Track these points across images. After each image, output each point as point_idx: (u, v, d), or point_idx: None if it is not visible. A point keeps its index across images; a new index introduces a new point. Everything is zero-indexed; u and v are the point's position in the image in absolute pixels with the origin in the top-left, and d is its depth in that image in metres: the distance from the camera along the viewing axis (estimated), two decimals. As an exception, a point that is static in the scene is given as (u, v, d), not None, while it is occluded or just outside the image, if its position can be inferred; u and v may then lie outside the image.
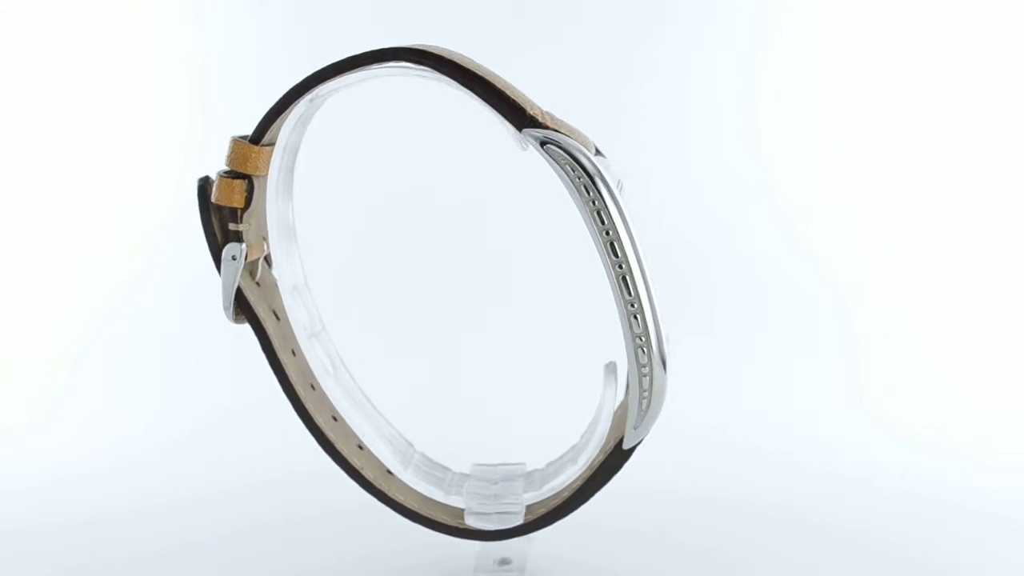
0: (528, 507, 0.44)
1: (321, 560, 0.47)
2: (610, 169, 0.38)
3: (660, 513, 0.51)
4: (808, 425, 0.61)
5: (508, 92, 0.37)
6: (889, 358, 0.68)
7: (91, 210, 0.75)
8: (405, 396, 0.52)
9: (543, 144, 0.37)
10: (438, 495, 0.45)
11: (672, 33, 0.78)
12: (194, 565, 0.47)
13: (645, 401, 0.39)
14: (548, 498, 0.44)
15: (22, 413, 0.63)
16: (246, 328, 0.44)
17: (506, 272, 0.74)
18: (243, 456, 0.58)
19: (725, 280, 0.74)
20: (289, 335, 0.44)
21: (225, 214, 0.41)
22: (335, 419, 0.45)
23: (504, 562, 0.45)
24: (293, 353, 0.44)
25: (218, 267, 0.42)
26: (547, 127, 0.37)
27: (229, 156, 0.41)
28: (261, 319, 0.43)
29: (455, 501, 0.45)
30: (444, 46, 0.38)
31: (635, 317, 0.37)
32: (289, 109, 0.40)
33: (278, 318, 0.44)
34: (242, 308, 0.43)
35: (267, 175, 0.42)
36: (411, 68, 0.38)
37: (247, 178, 0.41)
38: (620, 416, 0.41)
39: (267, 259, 0.44)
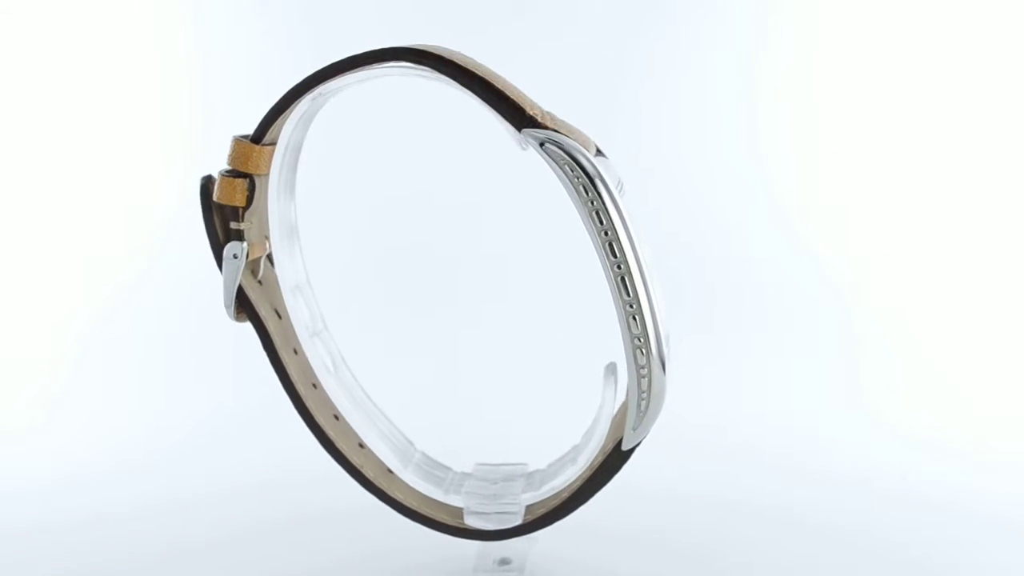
0: (528, 507, 0.44)
1: (321, 560, 0.47)
2: (610, 169, 0.38)
3: (660, 513, 0.51)
4: (808, 425, 0.61)
5: (508, 92, 0.37)
6: (889, 358, 0.68)
7: (91, 210, 0.75)
8: (406, 396, 0.52)
9: (542, 144, 0.37)
10: (437, 494, 0.45)
11: (672, 33, 0.78)
12: (194, 565, 0.47)
13: (644, 402, 0.39)
14: (547, 498, 0.44)
15: (22, 413, 0.63)
16: (246, 328, 0.44)
17: (506, 272, 0.74)
18: (243, 456, 0.58)
19: (725, 280, 0.74)
20: (291, 334, 0.45)
21: (227, 213, 0.41)
22: (336, 418, 0.45)
23: (504, 562, 0.45)
24: (295, 352, 0.44)
25: (220, 265, 0.42)
26: (546, 127, 0.37)
27: (230, 155, 0.41)
28: (262, 317, 0.43)
29: (454, 500, 0.45)
30: (445, 46, 0.38)
31: (634, 318, 0.37)
32: (290, 109, 0.40)
33: (280, 317, 0.44)
34: (243, 306, 0.43)
35: (269, 174, 0.42)
36: (411, 68, 0.38)
37: (248, 177, 0.41)
38: (620, 417, 0.41)
39: (269, 258, 0.44)
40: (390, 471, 0.45)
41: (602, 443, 0.42)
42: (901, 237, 0.75)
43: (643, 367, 0.38)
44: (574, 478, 0.43)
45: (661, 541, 0.49)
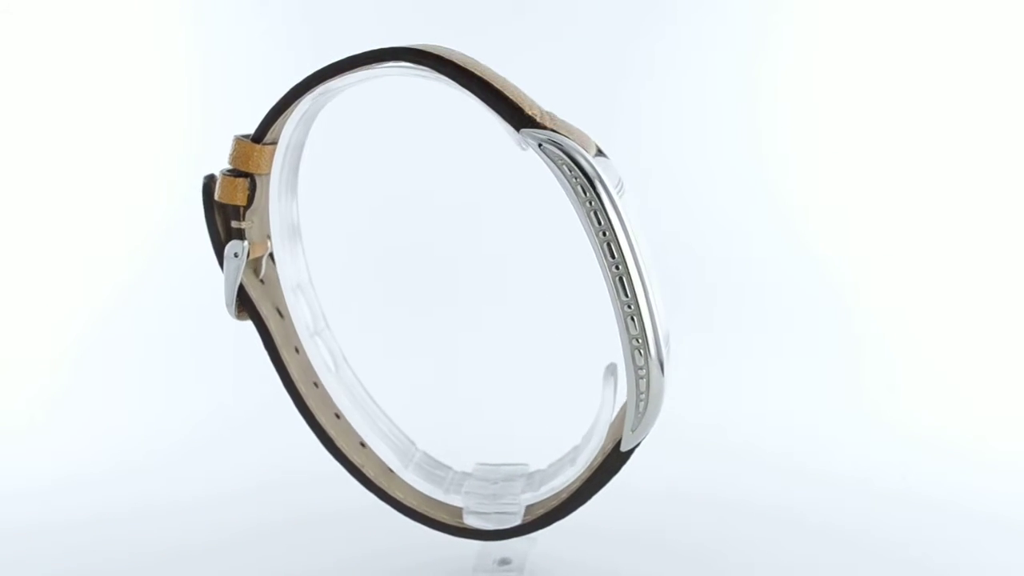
0: (527, 507, 0.44)
1: (321, 560, 0.47)
2: (609, 169, 0.38)
3: (660, 513, 0.51)
4: (808, 425, 0.61)
5: (507, 92, 0.37)
6: (889, 358, 0.68)
7: (91, 210, 0.75)
8: (406, 396, 0.52)
9: (540, 145, 0.36)
10: (438, 494, 0.45)
11: (672, 33, 0.78)
12: (194, 565, 0.47)
13: (642, 403, 0.38)
14: (547, 499, 0.44)
15: (22, 413, 0.63)
16: (246, 328, 0.44)
17: (506, 272, 0.74)
18: (243, 457, 0.58)
19: (725, 280, 0.74)
20: (292, 333, 0.45)
21: (228, 212, 0.42)
22: (337, 417, 0.45)
23: (504, 562, 0.45)
24: (296, 351, 0.45)
25: (221, 264, 0.42)
26: (545, 127, 0.37)
27: (231, 155, 0.41)
28: (263, 316, 0.43)
29: (454, 500, 0.45)
30: (445, 46, 0.38)
31: (632, 319, 0.37)
32: (291, 108, 0.40)
33: (281, 316, 0.44)
34: (244, 305, 0.43)
35: (270, 173, 0.42)
36: (411, 68, 0.38)
37: (249, 176, 0.41)
38: (619, 418, 0.41)
39: (271, 257, 0.44)
40: (390, 470, 0.45)
41: (601, 444, 0.42)
42: (901, 237, 0.75)
43: (641, 368, 0.38)
44: (573, 479, 0.43)
45: (661, 541, 0.49)
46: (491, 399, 0.63)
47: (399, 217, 0.75)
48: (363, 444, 0.45)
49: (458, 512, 0.44)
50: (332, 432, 0.44)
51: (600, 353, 0.43)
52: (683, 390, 0.42)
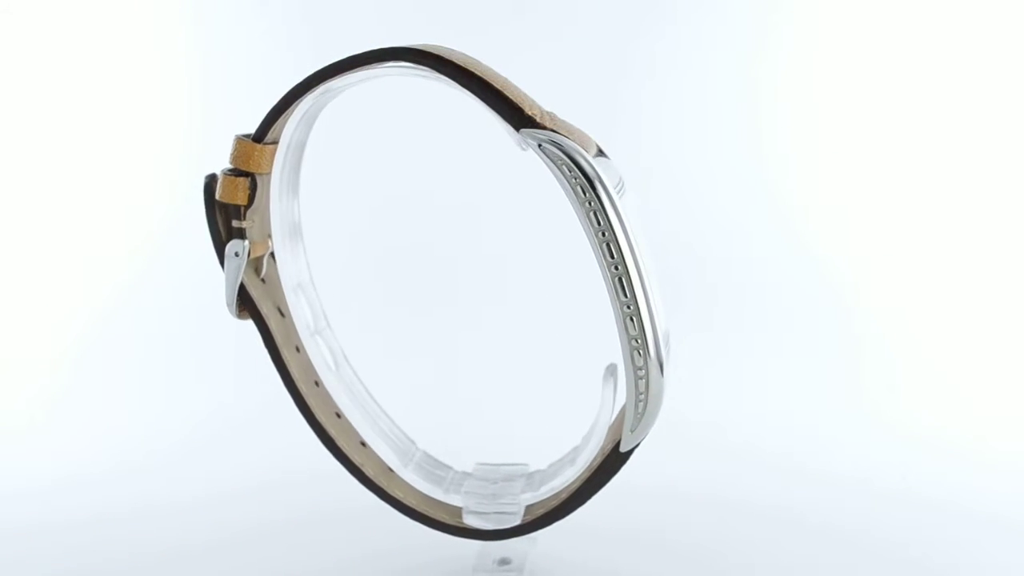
0: (527, 507, 0.44)
1: (321, 560, 0.47)
2: (609, 170, 0.37)
3: (660, 512, 0.51)
4: (808, 425, 0.61)
5: (507, 92, 0.37)
6: (889, 358, 0.68)
7: (91, 210, 0.75)
8: (406, 396, 0.52)
9: (540, 145, 0.36)
10: (437, 493, 0.45)
11: (672, 33, 0.78)
12: (194, 566, 0.47)
13: (642, 404, 0.38)
14: (546, 499, 0.44)
15: (22, 413, 0.63)
16: (246, 328, 0.44)
17: (507, 272, 0.74)
18: (243, 457, 0.58)
19: (725, 280, 0.74)
20: (292, 332, 0.45)
21: (229, 211, 0.42)
22: (338, 416, 0.45)
23: (504, 562, 0.45)
24: (296, 349, 0.45)
25: (222, 263, 0.42)
26: (545, 127, 0.37)
27: (232, 154, 0.41)
28: (264, 315, 0.43)
29: (454, 499, 0.45)
30: (446, 46, 0.38)
31: (631, 319, 0.37)
32: (291, 108, 0.40)
33: (282, 315, 0.44)
34: (245, 304, 0.43)
35: (271, 173, 0.42)
36: (411, 68, 0.38)
37: (250, 176, 0.41)
38: (619, 418, 0.41)
39: (273, 256, 0.44)
40: (390, 470, 0.45)
41: (601, 444, 0.42)
42: (901, 237, 0.75)
43: (640, 369, 0.38)
44: (573, 479, 0.43)
45: (661, 541, 0.49)
46: (491, 399, 0.63)
47: (399, 217, 0.75)
48: (363, 443, 0.45)
49: (458, 512, 0.44)
50: (332, 431, 0.44)
51: (601, 353, 0.43)
52: (683, 390, 0.42)
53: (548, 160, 0.36)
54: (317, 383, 0.45)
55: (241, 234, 0.42)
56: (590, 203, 0.36)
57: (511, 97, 0.37)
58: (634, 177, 0.40)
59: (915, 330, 0.70)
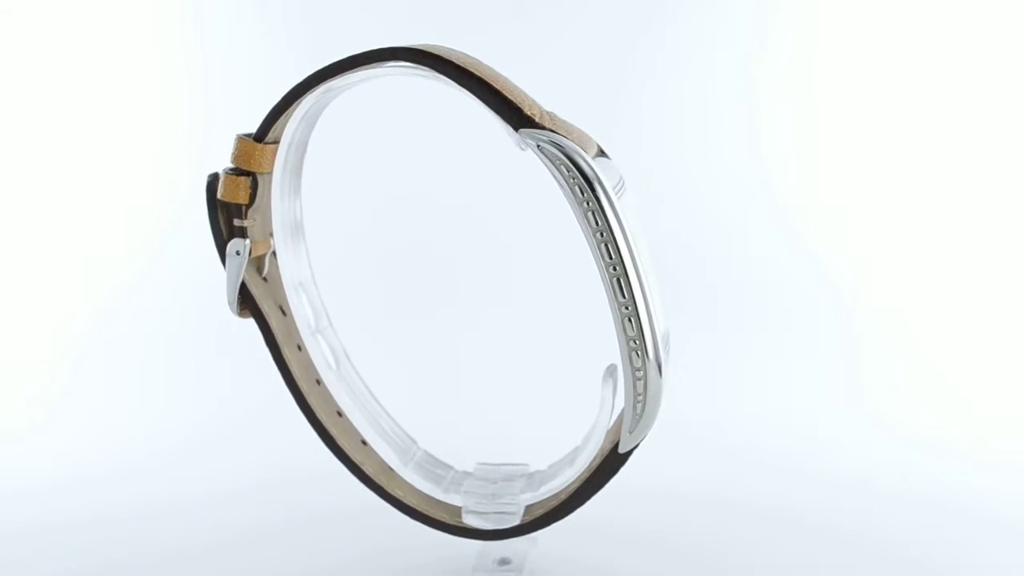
0: (527, 508, 0.44)
1: (321, 560, 0.47)
2: (609, 170, 0.37)
3: (660, 512, 0.51)
4: (808, 425, 0.61)
5: (506, 92, 0.37)
6: (889, 358, 0.68)
7: (91, 210, 0.75)
8: (406, 396, 0.52)
9: (539, 145, 0.36)
10: (437, 492, 0.45)
11: (672, 33, 0.78)
12: (194, 566, 0.47)
13: (640, 405, 0.38)
14: (546, 499, 0.44)
15: (22, 413, 0.63)
16: (246, 328, 0.44)
17: (507, 272, 0.74)
18: (243, 456, 0.58)
19: (725, 280, 0.74)
20: (294, 330, 0.45)
21: (231, 210, 0.42)
22: (339, 414, 0.45)
23: (504, 562, 0.45)
24: (298, 348, 0.45)
25: (223, 262, 0.42)
26: (544, 127, 0.37)
27: (234, 153, 0.41)
28: (265, 314, 0.43)
29: (453, 499, 0.45)
30: (446, 46, 0.38)
31: (629, 320, 0.37)
32: (292, 108, 0.40)
33: (284, 313, 0.45)
34: (246, 303, 0.43)
35: (272, 172, 0.42)
36: (411, 68, 0.38)
37: (251, 175, 0.41)
38: (619, 419, 0.41)
39: (275, 254, 0.44)
40: (390, 468, 0.45)
41: (600, 445, 0.42)
42: (901, 237, 0.75)
43: (639, 370, 0.38)
44: (572, 480, 0.43)
45: (661, 541, 0.49)
46: (492, 399, 0.63)
47: (400, 217, 0.75)
48: (364, 442, 0.45)
49: (457, 511, 0.44)
50: (333, 430, 0.44)
51: (602, 354, 0.42)
52: (683, 390, 0.42)
53: (546, 160, 0.36)
54: (318, 382, 0.45)
55: (242, 233, 0.42)
56: (588, 203, 0.36)
57: (510, 97, 0.37)
58: (634, 177, 0.40)
59: (915, 330, 0.70)
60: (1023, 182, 0.75)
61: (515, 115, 0.37)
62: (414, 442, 0.47)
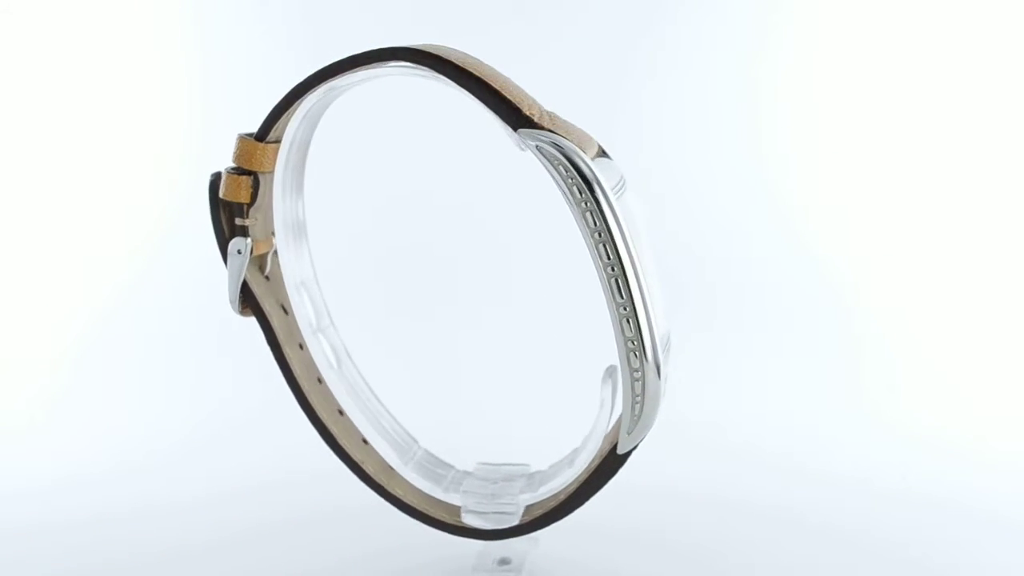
0: (527, 508, 0.44)
1: (321, 560, 0.47)
2: (608, 170, 0.37)
3: (660, 512, 0.51)
4: (808, 425, 0.61)
5: (506, 92, 0.37)
6: (889, 358, 0.68)
7: (91, 210, 0.75)
8: (406, 395, 0.52)
9: (537, 145, 0.36)
10: (437, 492, 0.45)
11: (672, 33, 0.78)
12: (195, 566, 0.47)
13: (638, 406, 0.38)
14: (545, 499, 0.44)
15: (22, 413, 0.63)
16: (247, 329, 0.44)
17: (508, 271, 0.74)
18: (244, 456, 0.58)
19: (725, 280, 0.74)
20: (295, 329, 0.45)
21: (232, 209, 0.42)
22: (340, 413, 0.45)
23: (503, 562, 0.45)
24: (300, 347, 0.45)
25: (225, 260, 0.42)
26: (543, 127, 0.37)
27: (235, 153, 0.41)
28: (267, 313, 0.43)
29: (453, 498, 0.45)
30: (446, 46, 0.38)
31: (627, 321, 0.37)
32: (293, 107, 0.40)
33: (286, 312, 0.45)
34: (248, 301, 0.43)
35: (273, 172, 0.42)
36: (411, 68, 0.38)
37: (253, 174, 0.41)
38: (618, 421, 0.41)
39: (277, 253, 0.44)
40: (390, 467, 0.45)
41: (599, 446, 0.42)
42: (901, 237, 0.75)
43: (637, 371, 0.37)
44: (571, 480, 0.43)
45: (661, 541, 0.49)
46: (492, 398, 0.63)
47: (401, 217, 0.75)
48: (365, 441, 0.46)
49: (457, 511, 0.44)
50: (334, 429, 0.44)
51: (603, 354, 0.42)
52: (683, 390, 0.42)
53: (545, 160, 0.36)
54: (319, 380, 0.45)
55: (244, 232, 0.42)
56: (586, 203, 0.36)
57: (510, 97, 0.37)
58: (634, 177, 0.40)
59: (915, 330, 0.70)
60: (1022, 182, 0.75)
61: (514, 115, 0.37)
62: (415, 441, 0.47)
